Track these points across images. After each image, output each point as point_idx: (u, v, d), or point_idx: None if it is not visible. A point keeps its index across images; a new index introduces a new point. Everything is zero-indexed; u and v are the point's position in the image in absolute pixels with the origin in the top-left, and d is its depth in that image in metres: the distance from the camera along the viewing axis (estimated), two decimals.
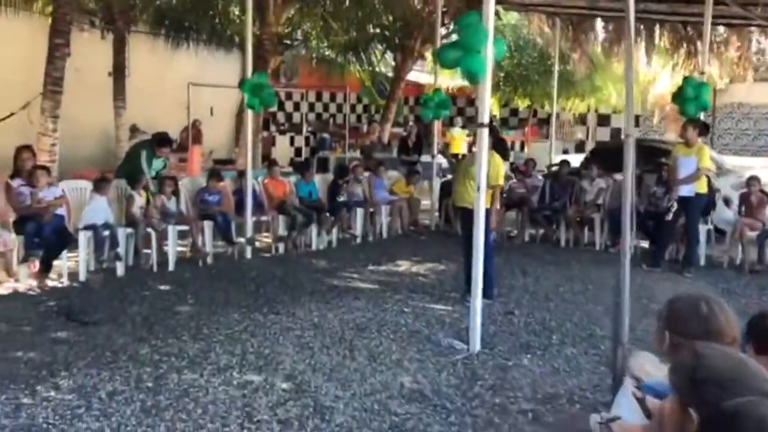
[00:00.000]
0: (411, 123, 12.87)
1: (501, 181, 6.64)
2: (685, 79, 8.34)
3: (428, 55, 14.80)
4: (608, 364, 4.89)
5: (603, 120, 21.26)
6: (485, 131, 4.90)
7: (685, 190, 7.95)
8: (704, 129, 7.91)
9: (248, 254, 8.43)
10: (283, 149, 18.75)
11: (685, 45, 12.38)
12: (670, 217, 8.14)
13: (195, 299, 6.47)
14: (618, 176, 10.47)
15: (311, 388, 4.32)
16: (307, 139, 19.85)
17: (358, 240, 9.86)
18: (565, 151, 19.98)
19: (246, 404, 4.05)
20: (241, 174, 9.04)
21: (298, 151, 19.70)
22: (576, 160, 13.22)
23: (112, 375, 4.44)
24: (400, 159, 11.54)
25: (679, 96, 8.21)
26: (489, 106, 4.87)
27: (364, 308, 6.25)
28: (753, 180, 8.48)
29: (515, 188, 10.32)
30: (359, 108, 21.31)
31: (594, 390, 4.43)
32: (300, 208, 9.12)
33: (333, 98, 21.06)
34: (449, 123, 16.23)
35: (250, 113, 8.40)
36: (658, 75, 18.69)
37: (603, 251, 9.42)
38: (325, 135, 18.12)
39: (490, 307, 6.33)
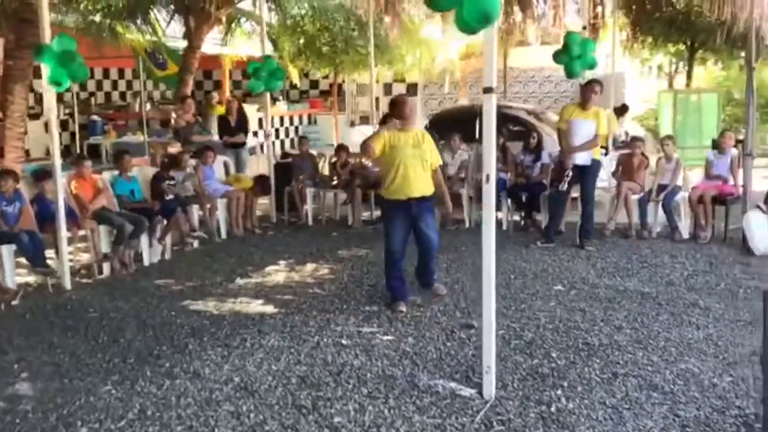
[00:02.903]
0: (230, 98, 10.89)
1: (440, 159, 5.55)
2: (569, 35, 7.59)
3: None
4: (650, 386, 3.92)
5: (387, 89, 20.64)
6: (492, 98, 3.56)
7: (581, 158, 7.27)
8: (601, 89, 7.23)
9: (67, 284, 6.22)
10: (37, 138, 15.34)
11: None
12: (564, 187, 7.44)
13: (29, 368, 4.35)
14: (464, 146, 9.66)
15: None
16: (64, 123, 16.60)
17: (195, 245, 7.93)
18: (352, 124, 19.11)
19: None
20: (41, 176, 6.69)
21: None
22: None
23: None
24: (224, 141, 9.63)
25: (563, 55, 7.48)
26: (495, 66, 3.53)
27: (286, 348, 4.62)
28: (636, 141, 8.03)
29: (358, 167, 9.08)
30: (122, 84, 18.49)
31: None
32: (124, 213, 7.01)
33: (92, 74, 17.95)
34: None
35: (52, 93, 6.06)
36: (447, 41, 18.45)
37: (475, 229, 8.57)
38: (95, 117, 15.30)
39: (438, 320, 5.08)
